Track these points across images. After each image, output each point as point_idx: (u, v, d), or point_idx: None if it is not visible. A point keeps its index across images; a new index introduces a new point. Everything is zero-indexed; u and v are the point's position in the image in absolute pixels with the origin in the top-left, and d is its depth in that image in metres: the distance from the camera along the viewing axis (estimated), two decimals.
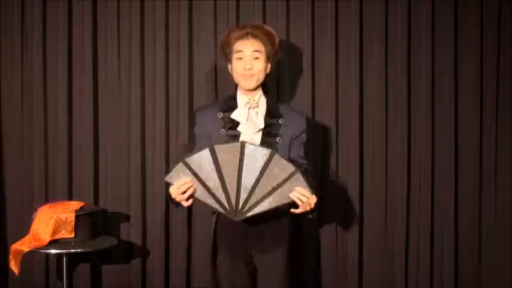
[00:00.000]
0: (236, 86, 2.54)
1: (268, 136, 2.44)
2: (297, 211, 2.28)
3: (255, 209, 2.27)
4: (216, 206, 2.29)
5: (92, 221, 2.97)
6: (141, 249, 3.23)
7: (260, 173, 2.22)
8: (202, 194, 2.29)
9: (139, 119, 3.21)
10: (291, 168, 2.21)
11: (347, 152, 3.22)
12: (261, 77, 2.47)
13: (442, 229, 3.25)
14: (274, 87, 3.12)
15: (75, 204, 2.97)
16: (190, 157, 2.25)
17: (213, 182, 2.26)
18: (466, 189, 3.25)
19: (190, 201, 2.30)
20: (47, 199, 3.18)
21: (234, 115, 2.46)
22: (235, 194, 2.26)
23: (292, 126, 2.48)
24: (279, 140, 2.45)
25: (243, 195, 2.26)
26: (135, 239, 3.23)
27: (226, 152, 2.22)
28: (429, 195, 3.23)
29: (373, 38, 3.20)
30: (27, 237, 2.92)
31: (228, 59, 2.54)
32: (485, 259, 3.26)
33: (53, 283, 3.23)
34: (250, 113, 2.47)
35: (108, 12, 3.21)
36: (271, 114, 2.49)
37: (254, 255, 2.46)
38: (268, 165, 2.21)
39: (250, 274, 2.47)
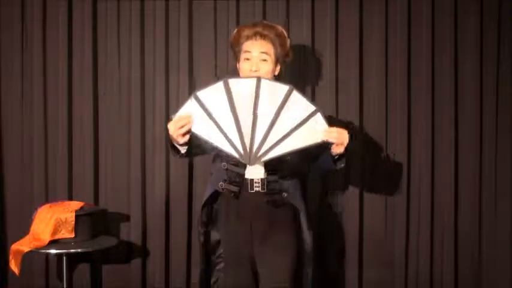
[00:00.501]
0: None
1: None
2: (336, 151, 2.19)
3: (271, 152, 2.10)
4: (228, 149, 2.12)
5: (92, 221, 2.97)
6: (141, 249, 3.23)
7: (277, 111, 2.08)
8: (213, 135, 2.11)
9: (139, 119, 3.21)
10: (310, 107, 2.08)
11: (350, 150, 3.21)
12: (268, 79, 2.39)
13: (442, 229, 3.25)
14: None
15: (75, 204, 2.97)
16: (203, 90, 2.11)
17: (226, 120, 2.10)
18: (466, 189, 3.25)
19: (187, 137, 2.18)
20: (47, 199, 3.18)
21: None
22: (249, 135, 2.09)
23: None
24: None
25: (258, 136, 2.10)
26: (135, 239, 3.23)
27: (241, 86, 2.09)
28: (429, 195, 3.23)
29: (372, 35, 3.21)
30: (27, 237, 2.92)
31: (236, 57, 2.50)
32: (485, 259, 3.26)
33: (53, 283, 3.23)
34: None
35: (108, 12, 3.21)
36: None
37: (257, 257, 2.39)
38: (285, 103, 2.07)
39: (254, 276, 2.40)
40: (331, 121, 2.34)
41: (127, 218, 3.24)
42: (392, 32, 3.21)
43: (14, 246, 2.90)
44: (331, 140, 2.18)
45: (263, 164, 2.30)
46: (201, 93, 2.09)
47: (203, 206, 2.44)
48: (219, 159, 2.41)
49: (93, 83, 3.21)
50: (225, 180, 2.38)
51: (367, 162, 3.22)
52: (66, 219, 2.87)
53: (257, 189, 2.37)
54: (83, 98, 3.21)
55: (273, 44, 2.42)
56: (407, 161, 3.23)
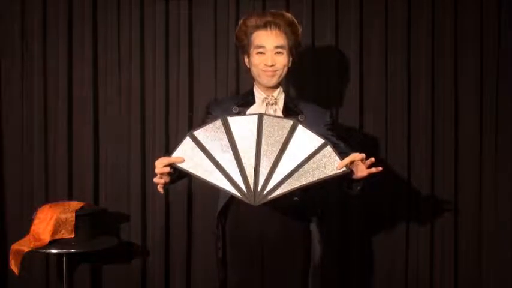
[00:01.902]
0: (252, 79, 2.35)
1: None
2: (358, 176, 1.98)
3: (278, 190, 1.94)
4: (229, 188, 1.96)
5: (92, 221, 2.97)
6: (141, 249, 3.23)
7: (282, 147, 1.95)
8: (212, 175, 1.96)
9: (139, 119, 3.21)
10: (319, 140, 1.95)
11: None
12: (283, 72, 2.26)
13: (442, 229, 3.25)
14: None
15: (75, 204, 2.97)
16: (199, 130, 1.98)
17: (226, 160, 1.95)
18: (466, 189, 3.25)
19: (161, 190, 2.04)
20: (47, 199, 3.18)
21: (250, 111, 2.25)
22: (253, 173, 1.94)
23: (314, 122, 2.20)
24: None
25: (263, 174, 1.94)
26: (135, 239, 3.23)
27: (241, 125, 1.97)
28: (429, 195, 3.23)
29: (372, 35, 3.21)
30: (27, 237, 2.92)
31: (244, 51, 2.29)
32: (485, 259, 3.26)
33: (53, 283, 3.23)
34: (267, 110, 2.25)
35: (108, 12, 3.21)
36: (288, 111, 2.26)
37: (266, 263, 2.26)
38: (291, 138, 1.95)
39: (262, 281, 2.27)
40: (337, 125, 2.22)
41: (127, 218, 3.24)
42: (393, 31, 3.21)
43: (14, 246, 2.90)
44: (343, 168, 1.96)
45: None
46: (198, 133, 1.97)
47: (219, 215, 2.29)
48: None
49: (93, 83, 3.21)
50: None
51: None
52: (66, 219, 2.87)
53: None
54: (83, 98, 3.21)
55: (286, 34, 2.23)
56: (407, 161, 3.23)
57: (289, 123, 1.97)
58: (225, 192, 2.07)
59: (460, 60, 3.22)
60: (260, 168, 1.94)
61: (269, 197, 1.95)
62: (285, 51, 2.23)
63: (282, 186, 1.94)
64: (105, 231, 3.13)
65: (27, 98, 3.22)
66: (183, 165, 1.98)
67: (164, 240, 3.21)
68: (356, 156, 1.96)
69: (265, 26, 2.22)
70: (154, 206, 3.22)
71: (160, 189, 2.06)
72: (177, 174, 2.07)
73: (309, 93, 3.17)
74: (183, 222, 3.22)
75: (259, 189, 1.94)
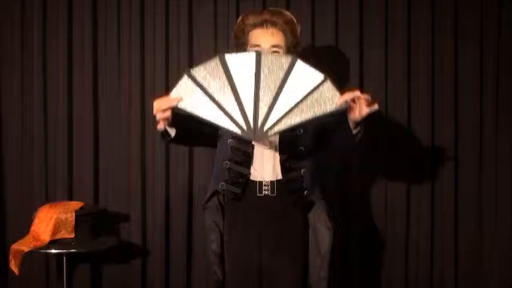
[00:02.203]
0: None
1: (288, 130, 2.05)
2: (354, 116, 1.98)
3: (278, 125, 1.92)
4: (229, 126, 1.94)
5: (92, 221, 2.97)
6: (141, 249, 3.23)
7: (281, 83, 1.91)
8: (211, 114, 1.93)
9: (139, 119, 3.21)
10: (318, 75, 1.92)
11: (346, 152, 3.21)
12: None
13: (442, 229, 3.25)
14: None
15: (75, 204, 2.97)
16: (197, 67, 1.93)
17: (225, 96, 1.92)
18: (466, 189, 3.25)
19: (161, 123, 1.98)
20: (47, 199, 3.18)
21: None
22: (252, 109, 1.91)
23: None
24: (299, 131, 2.17)
25: (263, 110, 1.91)
26: (135, 239, 3.23)
27: (239, 62, 1.92)
28: (429, 195, 3.23)
29: (372, 35, 3.21)
30: (27, 237, 2.92)
31: (242, 49, 2.26)
32: (485, 259, 3.26)
33: (53, 283, 3.23)
34: None
35: (108, 12, 3.21)
36: None
37: (265, 269, 2.22)
38: (290, 74, 1.91)
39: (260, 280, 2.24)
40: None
41: (127, 218, 3.23)
42: (393, 32, 3.21)
43: (14, 246, 2.90)
44: (343, 103, 1.95)
45: (273, 162, 2.15)
46: (195, 70, 1.92)
47: (203, 209, 2.30)
48: (221, 156, 2.24)
49: (93, 83, 3.21)
50: (226, 181, 2.21)
51: (370, 161, 3.21)
52: (66, 219, 2.87)
53: (266, 192, 2.20)
54: (83, 98, 3.21)
55: (283, 33, 2.20)
56: (407, 161, 3.22)
57: (288, 59, 1.93)
58: (213, 183, 2.14)
59: (460, 59, 3.22)
60: (260, 104, 1.91)
61: (269, 133, 1.93)
62: (281, 50, 2.19)
63: (282, 122, 1.92)
64: (105, 231, 3.12)
65: (27, 98, 3.22)
66: (181, 105, 1.96)
67: (164, 240, 3.21)
68: (355, 92, 1.96)
69: (262, 24, 2.19)
70: (155, 206, 3.22)
71: (162, 125, 2.01)
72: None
73: None
74: (183, 222, 3.22)
75: (259, 126, 1.92)
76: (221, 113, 1.93)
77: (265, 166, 2.20)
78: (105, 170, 3.25)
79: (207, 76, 1.92)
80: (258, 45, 2.18)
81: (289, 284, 2.21)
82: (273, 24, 2.19)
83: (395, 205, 3.24)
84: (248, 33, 2.21)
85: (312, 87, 1.91)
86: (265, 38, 2.18)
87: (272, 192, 2.20)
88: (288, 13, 2.27)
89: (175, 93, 1.95)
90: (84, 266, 3.23)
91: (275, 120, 1.92)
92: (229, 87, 1.92)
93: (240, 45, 2.27)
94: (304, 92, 1.92)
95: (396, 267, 3.25)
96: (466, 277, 3.26)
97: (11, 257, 2.88)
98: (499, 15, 3.21)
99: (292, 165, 2.19)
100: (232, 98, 1.92)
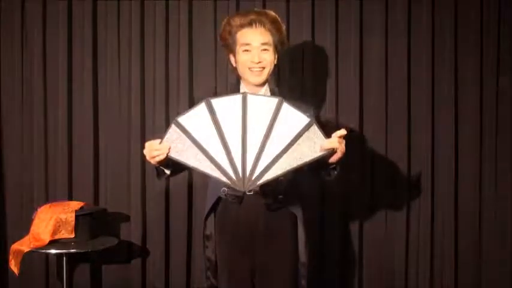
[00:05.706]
0: (238, 78, 2.33)
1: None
2: (335, 158, 2.01)
3: (267, 174, 1.92)
4: (219, 175, 1.94)
5: (92, 221, 2.97)
6: (141, 249, 3.23)
7: (268, 128, 1.91)
8: (201, 163, 1.94)
9: (139, 119, 3.21)
10: (304, 119, 1.91)
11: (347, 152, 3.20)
12: (270, 69, 2.25)
13: (442, 229, 3.25)
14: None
15: (75, 204, 2.97)
16: (183, 115, 1.94)
17: (213, 145, 1.93)
18: (466, 189, 3.25)
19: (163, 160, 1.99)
20: (47, 199, 3.18)
21: None
22: (240, 158, 1.92)
23: None
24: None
25: (251, 158, 1.92)
26: (135, 239, 3.23)
27: (225, 106, 1.92)
28: (429, 195, 3.23)
29: (372, 35, 3.21)
30: (27, 237, 2.92)
31: (230, 49, 2.29)
32: (485, 259, 3.26)
33: (53, 283, 3.23)
34: None
35: (108, 12, 3.21)
36: None
37: (257, 267, 2.25)
38: (276, 118, 1.91)
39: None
40: (319, 122, 2.12)
41: (127, 218, 3.24)
42: (393, 32, 3.21)
43: (14, 246, 2.90)
44: (329, 149, 1.96)
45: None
46: (183, 119, 1.93)
47: (207, 216, 2.30)
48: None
49: (93, 83, 3.21)
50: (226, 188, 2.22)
51: (367, 165, 3.22)
52: (66, 219, 2.87)
53: (256, 189, 2.17)
54: (83, 98, 3.21)
55: (271, 32, 2.24)
56: (407, 162, 3.23)
57: (274, 101, 1.93)
58: (212, 192, 2.21)
59: (460, 59, 3.22)
60: (247, 152, 1.92)
61: (258, 182, 1.94)
62: (270, 48, 2.24)
63: (270, 171, 1.93)
64: (105, 231, 3.13)
65: (27, 98, 3.22)
66: (172, 154, 1.97)
67: (164, 240, 3.21)
68: (338, 139, 1.98)
69: (250, 24, 2.24)
70: (155, 206, 3.22)
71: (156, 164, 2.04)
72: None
73: (308, 93, 3.17)
74: (183, 222, 3.22)
75: (247, 175, 1.93)
76: (211, 163, 1.94)
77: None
78: (105, 170, 3.25)
79: (195, 124, 1.94)
80: (248, 44, 2.22)
81: (279, 285, 2.25)
82: (261, 23, 2.24)
83: (396, 204, 3.23)
84: (235, 34, 2.25)
85: (298, 132, 1.92)
86: (255, 36, 2.23)
87: (261, 190, 2.19)
88: (272, 13, 2.31)
89: (165, 142, 1.96)
90: (84, 266, 3.23)
91: (263, 168, 1.93)
92: (216, 135, 1.93)
93: (227, 47, 2.30)
94: (291, 135, 1.92)
95: (396, 267, 3.25)
96: (466, 277, 3.26)
97: (11, 257, 2.88)
98: (499, 15, 3.21)
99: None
100: (221, 146, 1.93)
